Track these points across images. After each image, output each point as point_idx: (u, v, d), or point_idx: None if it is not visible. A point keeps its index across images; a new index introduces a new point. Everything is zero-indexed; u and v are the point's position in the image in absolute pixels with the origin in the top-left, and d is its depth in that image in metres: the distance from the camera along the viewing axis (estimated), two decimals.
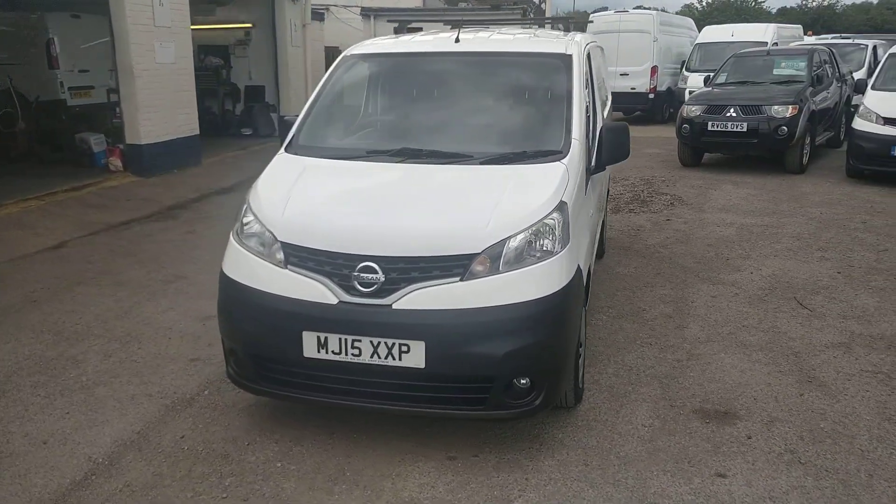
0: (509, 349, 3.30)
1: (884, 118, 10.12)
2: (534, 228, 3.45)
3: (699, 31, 20.09)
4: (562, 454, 3.59)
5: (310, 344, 3.43)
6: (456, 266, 3.36)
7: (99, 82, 12.04)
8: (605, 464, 3.51)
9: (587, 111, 4.40)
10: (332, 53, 18.26)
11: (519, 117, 4.43)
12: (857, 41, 16.65)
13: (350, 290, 3.41)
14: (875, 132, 10.15)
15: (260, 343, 3.58)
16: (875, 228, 7.96)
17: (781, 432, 3.78)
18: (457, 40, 4.71)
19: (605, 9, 22.49)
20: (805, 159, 11.31)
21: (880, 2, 68.86)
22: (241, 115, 15.24)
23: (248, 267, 3.66)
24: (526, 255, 3.41)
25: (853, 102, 13.91)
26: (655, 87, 18.31)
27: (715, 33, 18.86)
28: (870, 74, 15.20)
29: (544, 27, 7.24)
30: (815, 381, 4.35)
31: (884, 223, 8.20)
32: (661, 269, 6.56)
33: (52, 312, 5.49)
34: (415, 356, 3.32)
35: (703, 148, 11.83)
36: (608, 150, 4.23)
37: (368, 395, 3.51)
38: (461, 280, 3.34)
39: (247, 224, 3.81)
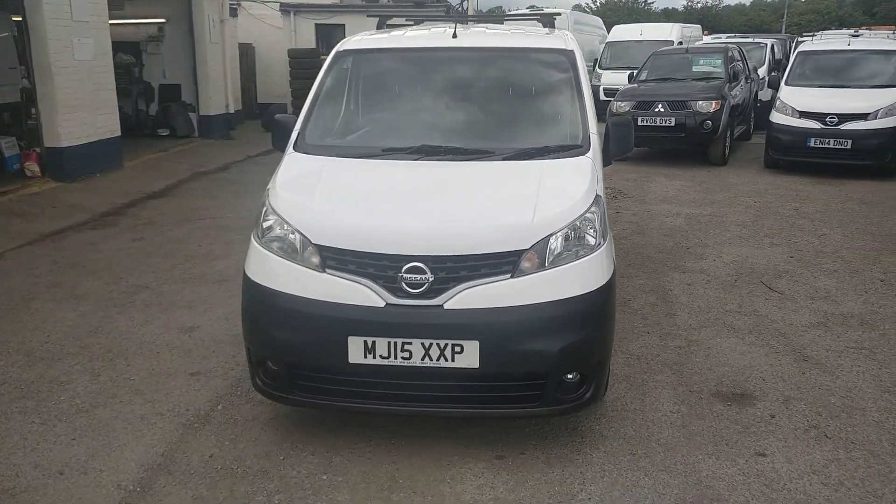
0: (563, 345, 3.31)
1: (799, 112, 10.83)
2: (577, 223, 3.46)
3: (608, 31, 20.82)
4: (606, 446, 3.63)
5: (356, 349, 3.31)
6: (505, 263, 3.33)
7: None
8: (650, 451, 3.58)
9: None
10: (246, 51, 17.69)
11: (532, 112, 4.44)
12: (756, 40, 17.72)
13: (397, 291, 3.31)
14: (792, 125, 10.85)
15: (300, 351, 3.42)
16: (808, 215, 8.50)
17: (799, 410, 3.97)
18: (454, 35, 4.65)
19: (500, 8, 22.86)
20: (727, 152, 11.94)
21: (753, 3, 73.67)
22: (156, 115, 14.50)
23: (279, 272, 3.49)
24: (570, 250, 3.42)
25: (759, 98, 14.84)
26: None
27: (624, 32, 19.62)
28: (769, 71, 16.25)
29: (503, 23, 7.25)
30: (811, 360, 4.60)
31: (814, 210, 8.77)
32: (630, 259, 6.75)
33: (14, 331, 5.03)
34: (468, 356, 3.26)
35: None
36: (615, 143, 4.30)
37: (418, 399, 3.43)
38: (511, 277, 3.31)
39: (271, 227, 3.63)
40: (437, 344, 3.27)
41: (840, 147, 10.46)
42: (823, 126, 10.55)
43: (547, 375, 3.34)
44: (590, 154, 3.93)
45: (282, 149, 4.60)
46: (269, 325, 3.47)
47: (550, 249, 3.37)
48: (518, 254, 3.33)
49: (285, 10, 15.40)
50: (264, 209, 3.72)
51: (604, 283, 3.44)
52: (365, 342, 3.31)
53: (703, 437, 3.71)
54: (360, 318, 3.32)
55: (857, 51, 11.71)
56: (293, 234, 3.51)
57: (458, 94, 4.49)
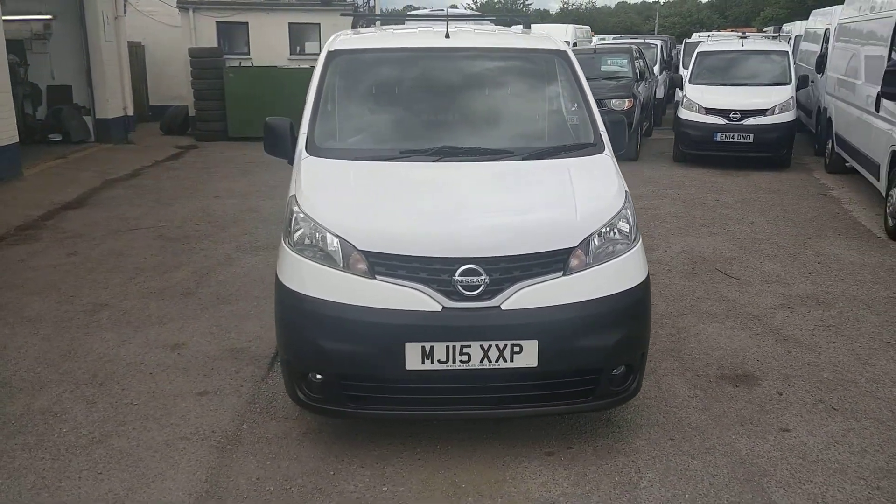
0: (617, 338, 3.41)
1: (705, 108, 11.56)
2: (614, 220, 3.56)
3: None
4: (645, 434, 3.77)
5: (413, 355, 3.26)
6: (555, 261, 3.38)
7: None
8: (687, 436, 3.75)
9: None
10: (135, 50, 16.71)
11: (538, 112, 4.51)
12: (647, 40, 18.70)
13: (452, 294, 3.28)
14: (699, 121, 11.56)
15: (353, 361, 3.32)
16: (730, 205, 9.11)
17: (801, 386, 4.28)
18: (447, 35, 4.64)
19: (410, 7, 22.87)
20: (639, 147, 12.55)
21: (617, 6, 77.44)
22: (46, 119, 13.42)
23: (323, 280, 3.37)
24: (611, 246, 3.51)
25: (657, 95, 15.69)
26: None
27: None
28: (661, 70, 17.21)
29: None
30: (790, 339, 4.96)
31: (733, 199, 9.41)
32: None
33: None
34: (527, 356, 3.29)
35: None
36: (612, 142, 4.44)
37: (476, 403, 3.42)
38: (564, 275, 3.37)
39: (306, 234, 3.48)
40: (496, 345, 3.27)
41: (743, 140, 11.26)
42: (728, 121, 11.32)
43: (601, 370, 3.43)
44: (607, 152, 4.06)
45: (276, 153, 4.45)
46: (317, 336, 3.34)
47: (594, 246, 3.46)
48: (567, 252, 3.39)
49: (183, 6, 14.64)
50: (294, 216, 3.57)
51: (645, 276, 3.57)
52: (423, 347, 3.26)
53: (728, 418, 3.93)
54: (418, 323, 3.27)
55: (751, 51, 12.63)
56: (334, 240, 3.40)
57: (462, 94, 4.49)
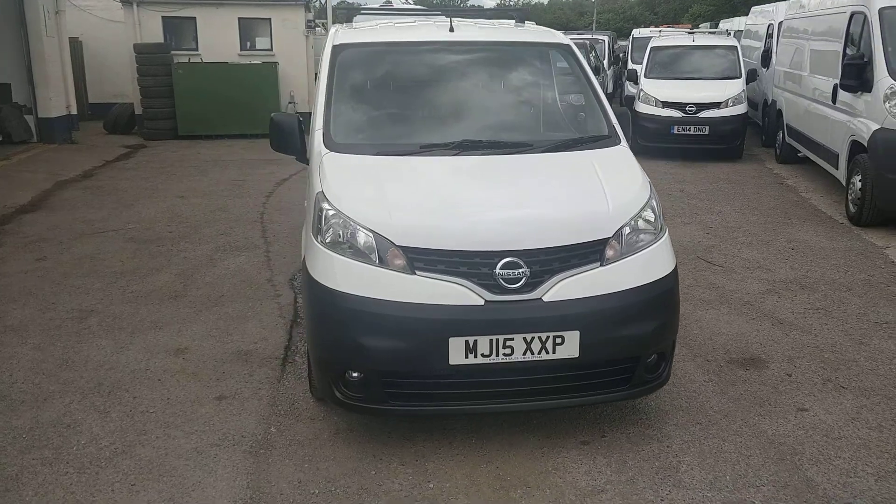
0: (653, 327, 3.47)
1: (662, 102, 11.85)
2: (643, 210, 3.62)
3: None
4: (673, 419, 3.85)
5: (457, 350, 3.25)
6: (592, 252, 3.41)
7: None
8: (712, 420, 3.84)
9: None
10: (73, 47, 15.98)
11: (550, 104, 4.54)
12: (596, 36, 19.02)
13: (493, 288, 3.28)
14: (656, 114, 11.85)
15: (395, 357, 3.28)
16: (695, 195, 9.37)
17: (807, 367, 4.44)
18: (451, 29, 4.62)
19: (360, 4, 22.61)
20: None
21: (550, 3, 78.46)
22: None
23: (361, 276, 3.31)
24: (642, 236, 3.57)
25: (607, 90, 15.99)
26: None
27: None
28: (609, 65, 17.55)
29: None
30: (786, 323, 5.14)
31: (697, 190, 9.68)
32: None
33: None
34: (569, 347, 3.31)
35: None
36: None
37: (518, 395, 3.43)
38: (601, 265, 3.41)
39: (339, 231, 3.42)
40: (539, 337, 3.28)
41: (699, 133, 11.59)
42: (684, 114, 11.63)
43: (638, 358, 3.48)
44: (624, 144, 4.12)
45: (283, 150, 4.37)
46: (357, 334, 3.28)
47: (626, 237, 3.51)
48: (603, 242, 3.43)
49: (127, 1, 14.11)
50: (324, 213, 3.49)
51: (674, 265, 3.65)
52: (466, 342, 3.24)
53: (747, 400, 4.04)
54: (461, 317, 3.25)
55: (702, 46, 13.00)
56: (368, 236, 3.35)
57: (474, 87, 4.49)
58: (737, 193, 9.44)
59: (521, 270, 3.28)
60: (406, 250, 3.31)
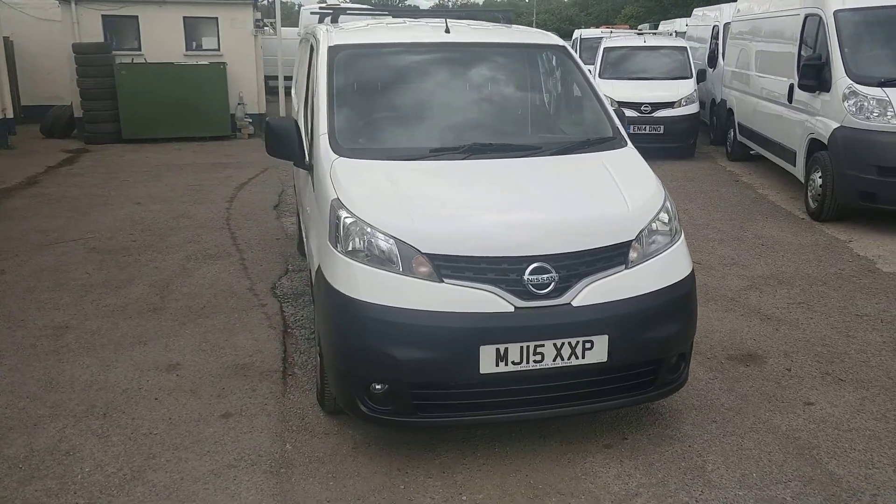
0: (677, 328, 3.49)
1: (618, 101, 12.00)
2: (661, 212, 3.64)
3: None
4: (688, 418, 3.88)
5: (487, 358, 3.19)
6: (617, 255, 3.41)
7: None
8: (726, 417, 3.89)
9: None
10: (3, 46, 15.17)
11: (553, 106, 4.51)
12: None
13: (522, 294, 3.24)
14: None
15: (425, 368, 3.20)
16: None
17: (803, 361, 4.55)
18: (447, 30, 4.55)
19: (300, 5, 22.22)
20: None
21: (485, 3, 78.94)
22: None
23: (386, 285, 3.22)
24: (661, 238, 3.58)
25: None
26: None
27: None
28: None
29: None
30: (773, 318, 5.26)
31: None
32: None
33: None
34: (598, 351, 3.30)
35: None
36: None
37: (547, 402, 3.39)
38: (626, 268, 3.40)
39: (358, 239, 3.31)
40: (569, 343, 3.26)
41: (654, 132, 11.82)
42: (640, 114, 11.83)
43: (661, 360, 3.49)
44: (630, 145, 4.13)
45: (280, 155, 4.23)
46: (385, 344, 3.18)
47: (646, 239, 3.51)
48: (627, 245, 3.43)
49: None
50: (342, 220, 3.38)
51: (692, 266, 3.67)
52: (497, 350, 3.19)
53: (755, 396, 4.11)
54: (492, 325, 3.20)
55: (654, 46, 13.26)
56: (391, 243, 3.26)
57: (476, 89, 4.43)
58: (697, 191, 9.66)
59: (549, 275, 3.25)
60: (432, 257, 3.23)
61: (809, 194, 8.11)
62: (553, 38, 4.78)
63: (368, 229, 3.31)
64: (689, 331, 3.60)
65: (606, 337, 3.29)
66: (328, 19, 5.34)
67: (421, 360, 3.18)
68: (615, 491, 3.27)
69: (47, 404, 3.98)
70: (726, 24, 13.31)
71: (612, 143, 4.13)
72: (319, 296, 3.51)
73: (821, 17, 8.06)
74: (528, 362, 3.23)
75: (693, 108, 11.99)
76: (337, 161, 3.72)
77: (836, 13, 7.85)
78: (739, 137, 11.24)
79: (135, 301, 5.55)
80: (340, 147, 3.82)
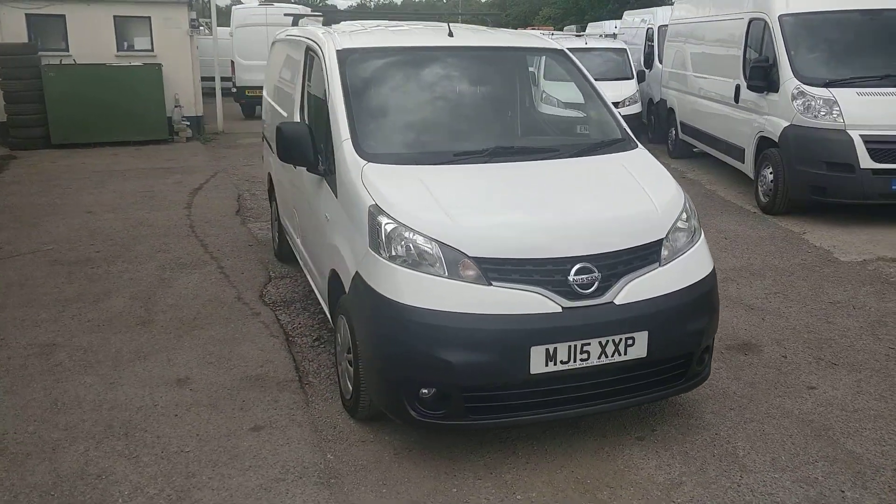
0: (707, 321, 3.66)
1: (564, 103, 12.27)
2: (684, 211, 3.78)
3: None
4: (707, 407, 4.05)
5: (538, 359, 3.26)
6: (651, 253, 3.54)
7: None
8: (741, 404, 4.09)
9: None
10: None
11: (560, 109, 4.59)
12: None
13: (568, 294, 3.32)
14: (559, 114, 12.26)
15: (478, 370, 3.23)
16: None
17: (796, 348, 4.82)
18: (450, 34, 4.58)
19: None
20: None
21: (403, 3, 78.87)
22: None
23: (433, 290, 3.25)
24: (685, 235, 3.73)
25: None
26: None
27: None
28: None
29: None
30: (757, 308, 5.54)
31: None
32: None
33: None
34: (638, 347, 3.42)
35: None
36: None
37: (591, 399, 3.47)
38: (659, 266, 3.53)
39: (403, 244, 3.32)
40: (613, 340, 3.36)
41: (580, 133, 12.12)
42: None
43: (692, 353, 3.63)
44: (642, 147, 4.27)
45: (294, 161, 4.18)
46: (437, 349, 3.20)
47: (674, 237, 3.65)
48: (659, 243, 3.56)
49: None
50: (384, 226, 3.37)
51: (713, 262, 3.83)
52: (547, 350, 3.26)
53: (762, 384, 4.33)
54: (542, 326, 3.26)
55: (595, 48, 13.62)
56: (436, 247, 3.28)
57: (489, 92, 4.49)
58: None
59: (593, 275, 3.34)
60: (479, 261, 3.27)
61: (760, 189, 8.54)
62: (550, 43, 4.88)
63: (411, 234, 3.31)
64: (715, 324, 3.77)
65: (646, 333, 3.40)
66: (316, 21, 5.27)
67: (474, 363, 3.21)
68: (660, 481, 3.39)
69: (60, 427, 3.78)
70: (661, 27, 13.83)
71: (623, 144, 4.26)
72: (359, 302, 3.48)
73: (766, 22, 8.50)
74: (574, 361, 3.31)
75: (636, 108, 12.40)
76: (367, 167, 3.69)
77: (780, 17, 8.30)
78: (682, 136, 11.70)
79: (119, 314, 5.32)
80: (366, 152, 3.79)
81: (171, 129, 13.90)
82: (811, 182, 7.74)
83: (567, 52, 4.83)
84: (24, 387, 4.21)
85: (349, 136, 3.87)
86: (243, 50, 17.54)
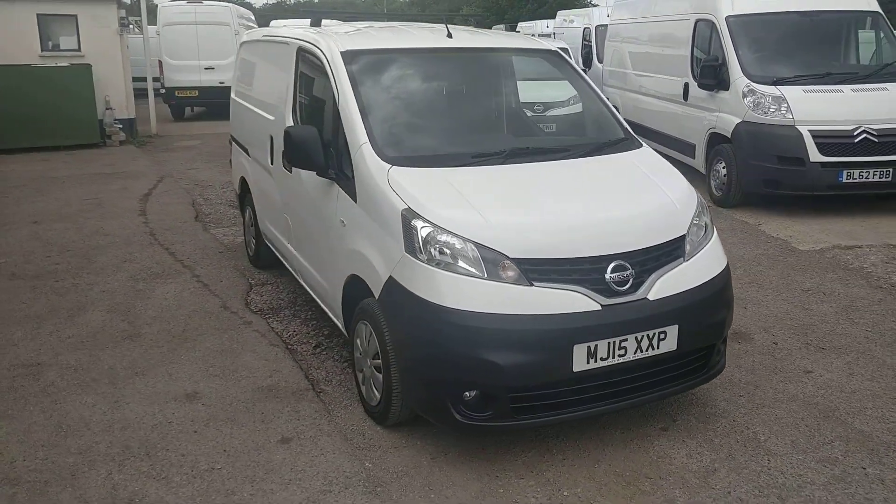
0: (726, 313, 3.81)
1: (542, 104, 12.44)
2: (699, 207, 3.91)
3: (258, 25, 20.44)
4: (719, 395, 4.20)
5: (580, 357, 3.32)
6: (676, 248, 3.65)
7: None
8: (749, 391, 4.26)
9: None
10: None
11: (563, 109, 4.64)
12: None
13: (605, 292, 3.39)
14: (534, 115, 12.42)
15: (523, 371, 3.26)
16: None
17: (783, 335, 5.05)
18: (449, 35, 4.58)
19: None
20: None
21: (320, 2, 77.89)
22: None
23: (474, 292, 3.26)
24: (701, 230, 3.86)
25: None
26: None
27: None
28: None
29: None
30: (737, 298, 5.59)
31: None
32: None
33: None
34: (670, 340, 3.52)
35: None
36: None
37: (626, 393, 3.55)
38: (684, 261, 3.64)
39: (441, 247, 3.31)
40: (647, 335, 3.45)
41: (548, 130, 12.34)
42: (533, 113, 12.30)
43: (713, 345, 3.77)
44: (646, 146, 4.38)
45: (303, 165, 4.10)
46: (482, 351, 3.22)
47: (692, 232, 3.78)
48: (682, 239, 3.68)
49: None
50: (419, 229, 3.35)
51: (727, 257, 3.98)
52: (588, 347, 3.32)
53: (762, 370, 4.52)
54: (584, 324, 3.32)
55: None
56: (475, 249, 3.29)
57: (493, 93, 4.50)
58: None
59: (627, 272, 3.42)
60: (520, 262, 3.29)
61: (713, 183, 8.88)
62: (547, 44, 4.94)
63: (448, 237, 3.31)
64: (731, 316, 3.91)
65: (677, 326, 3.50)
66: (304, 22, 5.17)
67: (521, 363, 3.23)
68: (695, 469, 3.50)
69: (72, 451, 3.58)
70: (598, 27, 14.19)
71: (629, 143, 4.37)
72: (396, 307, 3.43)
73: (713, 23, 8.85)
74: (613, 357, 3.38)
75: (580, 108, 12.64)
76: (392, 170, 3.65)
77: (727, 19, 8.67)
78: None
79: (101, 329, 5.07)
80: (387, 156, 3.75)
81: (102, 132, 13.30)
82: (764, 175, 8.11)
83: (561, 53, 4.90)
84: (20, 410, 3.96)
85: (367, 139, 3.81)
86: (171, 50, 16.96)
